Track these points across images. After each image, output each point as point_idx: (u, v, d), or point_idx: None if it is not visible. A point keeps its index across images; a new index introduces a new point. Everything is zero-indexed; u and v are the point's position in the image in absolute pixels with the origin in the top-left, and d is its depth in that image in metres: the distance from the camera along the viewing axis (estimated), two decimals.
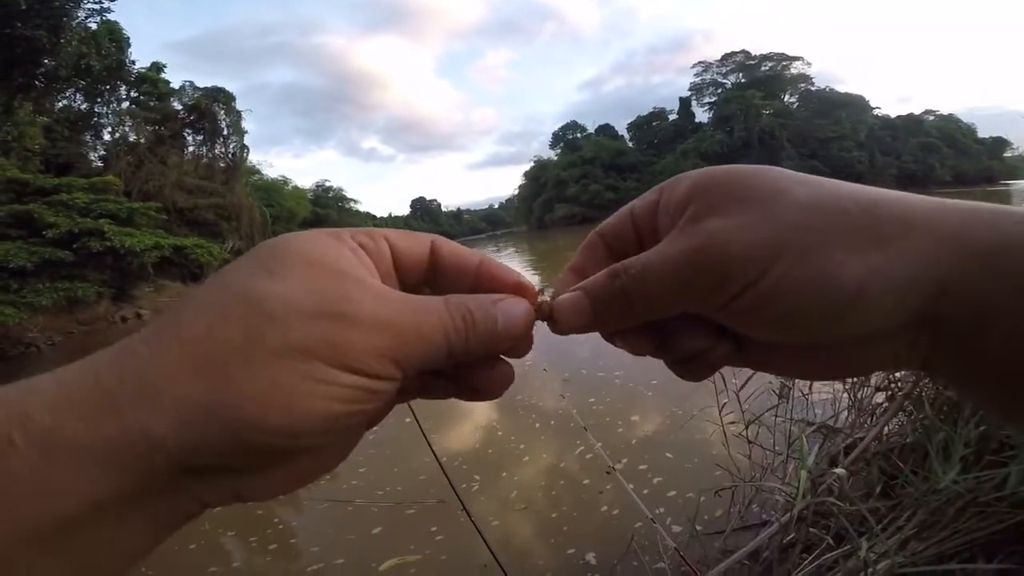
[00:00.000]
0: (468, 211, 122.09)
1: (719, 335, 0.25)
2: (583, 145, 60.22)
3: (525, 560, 2.42)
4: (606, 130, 64.27)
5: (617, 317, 0.26)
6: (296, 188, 43.15)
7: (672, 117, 60.37)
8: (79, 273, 15.97)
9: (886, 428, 1.96)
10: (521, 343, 0.26)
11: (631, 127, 62.62)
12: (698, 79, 59.58)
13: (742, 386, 2.21)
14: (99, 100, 25.84)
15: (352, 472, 3.38)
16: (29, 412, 0.16)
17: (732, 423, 2.27)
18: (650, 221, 0.26)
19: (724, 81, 58.25)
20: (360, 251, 0.22)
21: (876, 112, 54.83)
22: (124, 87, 27.14)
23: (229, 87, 38.83)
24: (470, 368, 0.25)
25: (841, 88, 59.04)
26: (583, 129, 65.52)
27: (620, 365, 4.85)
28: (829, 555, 1.49)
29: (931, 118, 55.91)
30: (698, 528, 2.27)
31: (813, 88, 55.33)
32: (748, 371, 2.25)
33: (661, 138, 58.86)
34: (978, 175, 49.08)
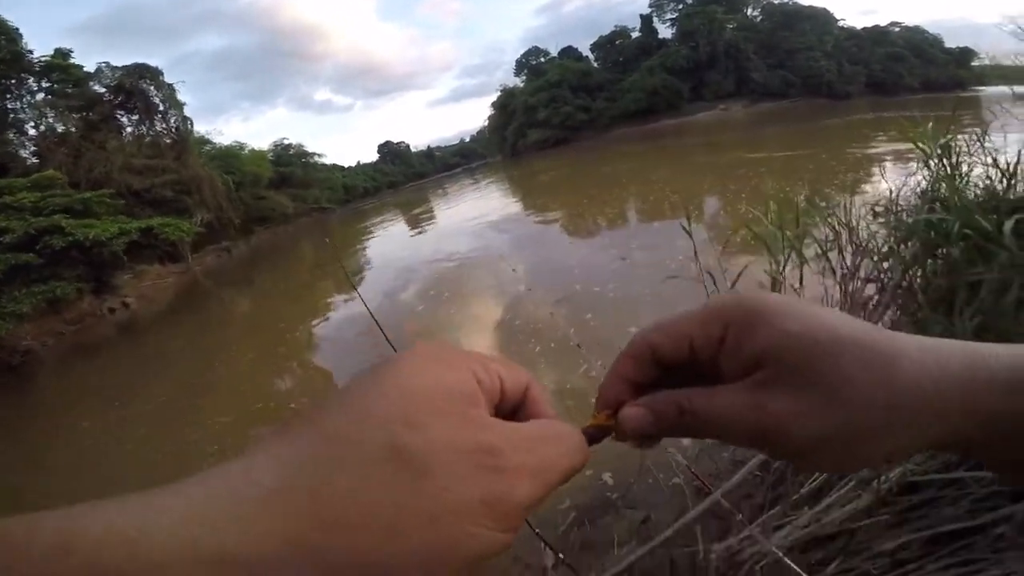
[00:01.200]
0: (439, 148, 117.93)
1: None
2: (548, 69, 59.34)
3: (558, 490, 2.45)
4: (570, 52, 63.44)
5: (672, 435, 0.29)
6: (254, 151, 41.54)
7: (635, 35, 59.70)
8: (52, 273, 15.56)
9: (881, 322, 1.91)
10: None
11: (594, 47, 61.96)
12: None
13: (733, 283, 2.16)
14: (8, 96, 24.03)
15: None
16: None
17: None
18: (710, 354, 0.27)
19: None
20: (476, 385, 0.22)
21: (841, 24, 54.37)
22: (32, 79, 25.34)
23: (154, 62, 35.95)
24: None
25: (804, 1, 56.99)
26: (546, 53, 64.83)
27: (613, 277, 4.87)
28: None
29: (897, 29, 55.74)
30: (708, 440, 2.30)
31: (776, 2, 54.47)
32: (738, 268, 2.26)
33: (626, 56, 58.32)
34: (948, 82, 48.94)
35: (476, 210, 14.93)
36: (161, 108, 28.79)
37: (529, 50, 66.00)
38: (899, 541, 1.30)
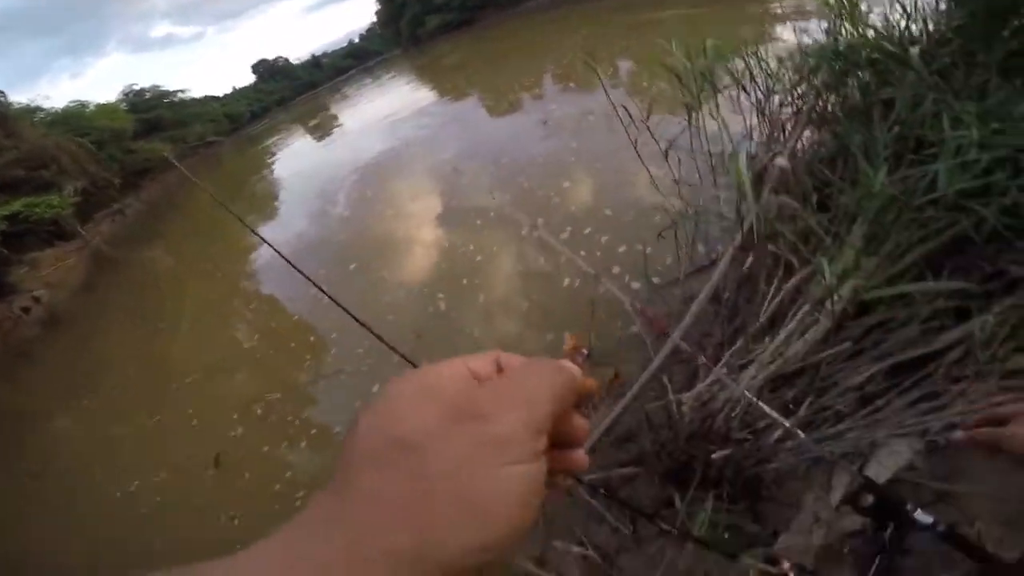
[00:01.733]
0: (326, 54, 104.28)
1: None
2: None
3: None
4: None
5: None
6: (101, 106, 35.78)
7: None
8: None
9: (802, 141, 1.95)
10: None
11: None
12: None
13: (647, 115, 2.17)
14: None
15: (329, 342, 3.53)
16: None
17: (659, 167, 2.27)
18: None
19: None
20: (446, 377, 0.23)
21: None
22: None
23: None
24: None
25: None
26: None
27: (538, 142, 4.89)
28: (790, 282, 1.47)
29: None
30: (655, 280, 2.39)
31: None
32: (656, 113, 2.26)
33: None
34: None
35: (384, 107, 13.79)
36: None
37: None
38: (864, 375, 1.30)
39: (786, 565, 0.84)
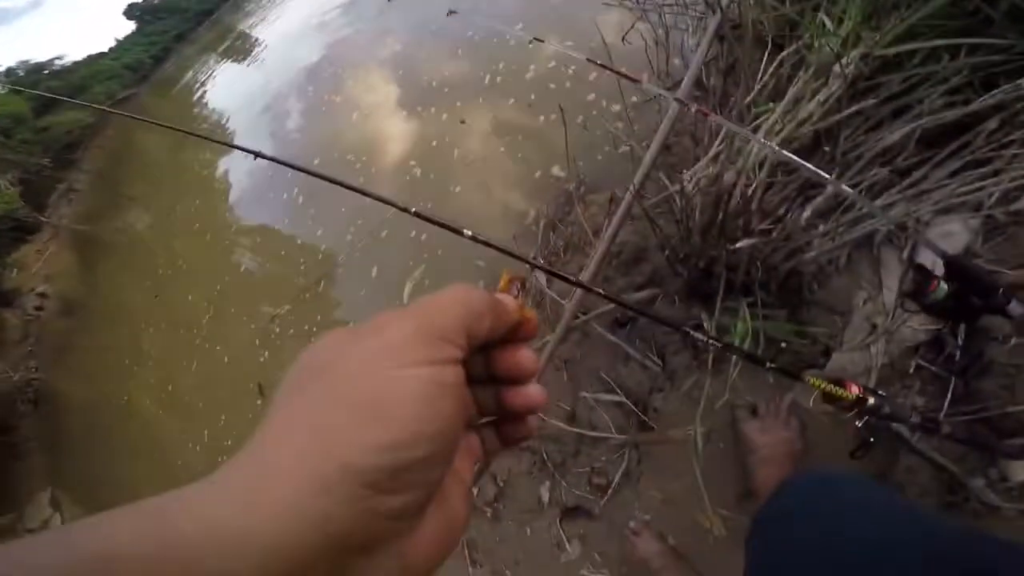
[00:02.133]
0: None
1: None
2: None
3: (504, 207, 2.50)
4: None
5: None
6: None
7: None
8: None
9: None
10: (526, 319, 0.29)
11: None
12: None
13: None
14: None
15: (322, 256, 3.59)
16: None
17: None
18: None
19: None
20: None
21: None
22: None
23: None
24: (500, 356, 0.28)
25: None
26: None
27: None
28: (785, 52, 1.24)
29: None
30: (635, 99, 2.18)
31: None
32: None
33: None
34: None
35: (305, 9, 12.27)
36: None
37: None
38: (895, 137, 1.10)
39: (855, 389, 0.67)
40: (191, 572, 0.16)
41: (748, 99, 1.25)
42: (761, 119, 1.18)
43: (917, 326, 1.06)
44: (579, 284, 0.67)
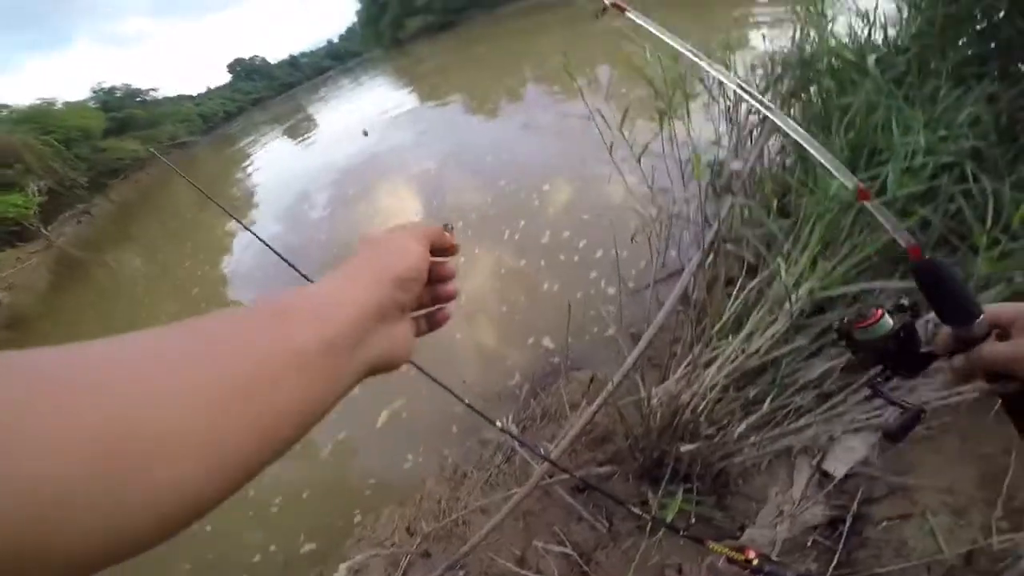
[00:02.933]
0: (306, 54, 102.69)
1: None
2: None
3: (494, 363, 2.55)
4: None
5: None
6: (70, 105, 34.92)
7: None
8: None
9: (767, 148, 2.03)
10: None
11: None
12: None
13: (622, 122, 2.21)
14: None
15: None
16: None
17: (631, 171, 2.33)
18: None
19: None
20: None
21: None
22: None
23: None
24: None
25: None
26: None
27: (518, 144, 4.94)
28: (752, 283, 1.56)
29: None
30: (631, 285, 2.48)
31: None
32: (631, 116, 2.32)
33: None
34: None
35: (365, 108, 13.78)
36: None
37: None
38: (820, 370, 1.40)
39: (752, 554, 0.87)
40: (328, 309, 0.29)
41: (715, 328, 1.55)
42: (719, 350, 1.49)
43: (818, 512, 1.38)
44: (547, 460, 1.00)
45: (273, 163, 12.04)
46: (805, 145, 0.52)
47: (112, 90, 42.77)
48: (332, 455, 2.58)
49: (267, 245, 1.19)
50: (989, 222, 1.24)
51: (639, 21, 0.52)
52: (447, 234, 0.42)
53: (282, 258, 1.13)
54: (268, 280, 4.92)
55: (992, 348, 0.44)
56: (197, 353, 0.22)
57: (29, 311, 11.94)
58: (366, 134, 4.00)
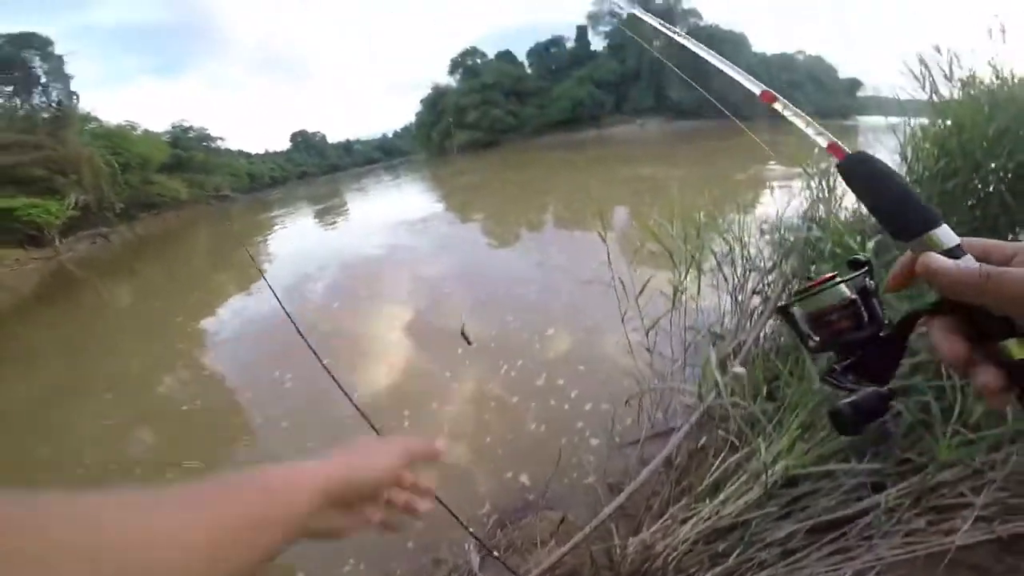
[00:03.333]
0: (360, 141, 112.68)
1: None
2: (483, 71, 58.96)
3: (466, 488, 2.48)
4: (506, 57, 63.14)
5: (969, 291, 0.34)
6: (147, 133, 37.60)
7: (569, 45, 60.97)
8: None
9: (765, 329, 2.14)
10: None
11: (530, 54, 62.56)
12: (595, 7, 59.10)
13: (639, 293, 2.41)
14: None
15: (272, 429, 3.30)
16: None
17: (634, 330, 2.46)
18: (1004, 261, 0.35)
19: (620, 11, 58.01)
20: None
21: (755, 49, 57.82)
22: None
23: (53, 28, 32.24)
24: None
25: (725, 26, 60.27)
26: (483, 55, 63.88)
27: (531, 280, 5.07)
28: (733, 458, 1.64)
29: (801, 57, 60.13)
30: (616, 439, 2.49)
31: (701, 23, 56.73)
32: (644, 274, 2.49)
33: (558, 65, 59.55)
34: (836, 110, 53.56)
35: (395, 208, 14.56)
36: (43, 80, 26.53)
37: (466, 50, 64.17)
38: (786, 531, 1.49)
39: None
40: (284, 489, 0.35)
41: (696, 491, 1.64)
42: (695, 510, 1.58)
43: None
44: None
45: (295, 239, 12.43)
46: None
47: (188, 129, 45.88)
48: None
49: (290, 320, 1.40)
50: (955, 414, 1.41)
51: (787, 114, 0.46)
52: (435, 446, 0.49)
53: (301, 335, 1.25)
54: (249, 352, 4.78)
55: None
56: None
57: None
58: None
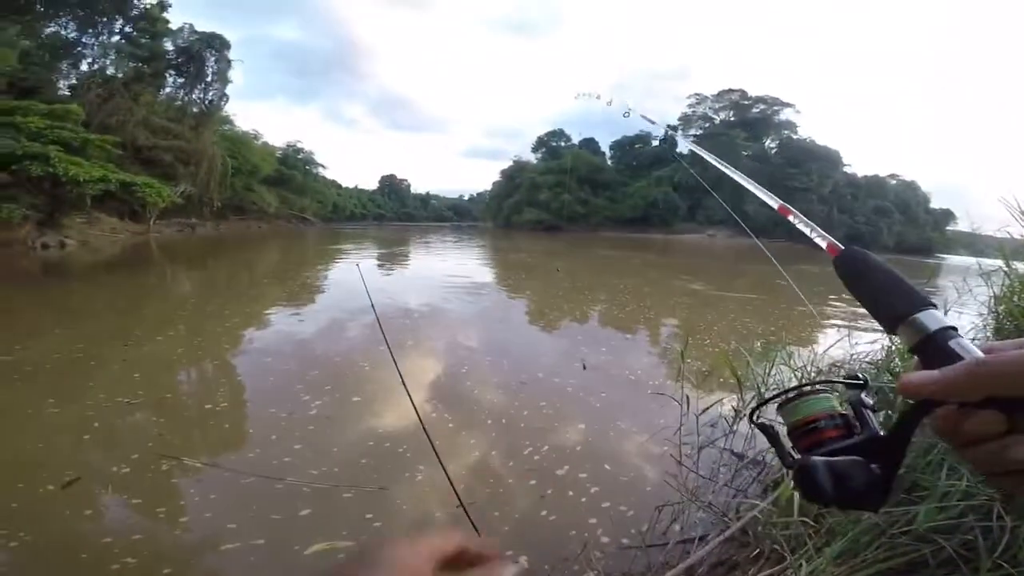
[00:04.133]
0: (437, 197, 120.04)
1: None
2: (564, 154, 60.94)
3: None
4: (589, 144, 65.05)
5: (956, 393, 0.31)
6: (265, 144, 42.11)
7: (654, 143, 61.57)
8: (10, 195, 15.43)
9: None
10: None
11: (614, 146, 63.99)
12: (690, 110, 61.27)
13: (704, 410, 2.40)
14: (91, 31, 25.37)
15: (285, 447, 3.25)
16: None
17: (666, 440, 2.39)
18: None
19: (714, 116, 60.12)
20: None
21: (846, 169, 56.29)
22: (121, 20, 26.52)
23: (229, 35, 38.26)
24: None
25: (821, 140, 61.20)
26: (568, 138, 66.15)
27: (573, 374, 4.98)
28: (765, 572, 1.59)
29: (894, 182, 57.85)
30: (624, 541, 2.38)
31: (795, 136, 57.11)
32: (697, 391, 2.44)
33: (640, 162, 60.45)
34: (918, 245, 50.51)
35: (451, 268, 15.03)
36: (209, 79, 29.94)
37: (553, 131, 66.78)
38: None
39: None
40: None
41: None
42: None
43: None
44: None
45: (348, 277, 12.38)
46: None
47: (299, 150, 50.67)
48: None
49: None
50: (999, 550, 1.33)
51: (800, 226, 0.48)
52: (487, 554, 0.35)
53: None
54: (275, 372, 4.90)
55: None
56: None
57: (74, 268, 12.94)
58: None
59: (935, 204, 57.10)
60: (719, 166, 0.69)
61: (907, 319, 0.34)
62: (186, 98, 29.46)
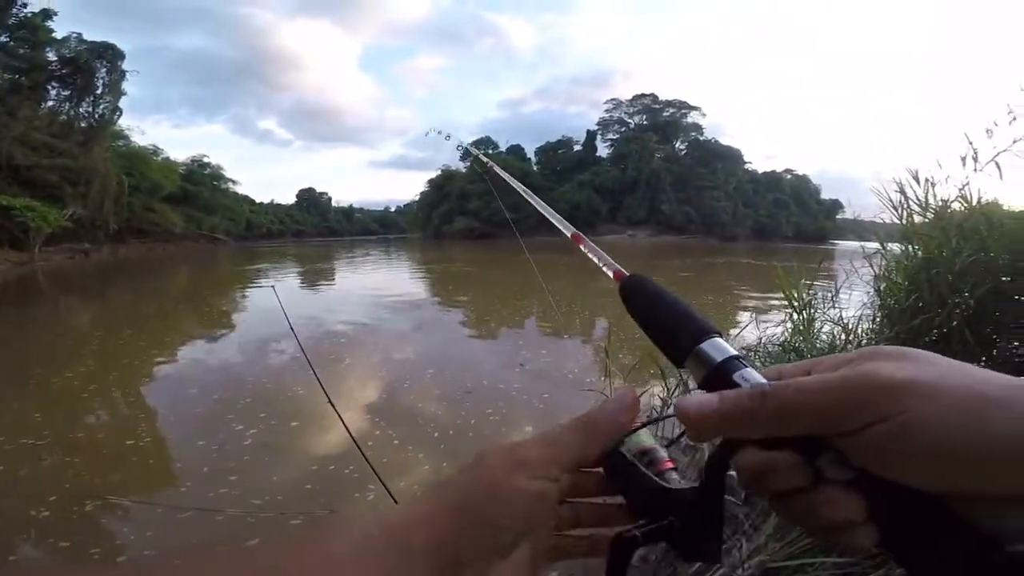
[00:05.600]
0: (361, 210, 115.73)
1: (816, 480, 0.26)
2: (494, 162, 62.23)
3: None
4: (516, 151, 65.81)
5: (744, 421, 0.26)
6: (167, 160, 38.63)
7: (577, 148, 63.54)
8: None
9: None
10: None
11: (539, 151, 65.05)
12: (607, 115, 63.98)
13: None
14: None
15: (220, 479, 3.07)
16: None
17: None
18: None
19: (629, 121, 63.20)
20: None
21: (747, 167, 61.45)
22: None
23: (123, 45, 34.70)
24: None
25: (724, 140, 65.74)
26: (495, 146, 66.35)
27: (517, 378, 5.08)
28: None
29: (789, 176, 63.52)
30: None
31: (701, 138, 61.31)
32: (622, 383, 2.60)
33: (564, 166, 61.99)
34: (814, 233, 56.04)
35: (381, 283, 14.69)
36: (99, 91, 27.65)
37: (481, 139, 66.75)
38: None
39: None
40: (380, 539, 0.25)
41: None
42: None
43: None
44: None
45: (270, 301, 10.78)
46: None
47: (205, 165, 46.84)
48: None
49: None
50: None
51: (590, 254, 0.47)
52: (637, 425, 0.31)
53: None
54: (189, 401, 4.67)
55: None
56: None
57: None
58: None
59: (825, 195, 63.82)
60: (521, 191, 0.65)
61: (693, 350, 0.30)
62: (72, 112, 26.99)
